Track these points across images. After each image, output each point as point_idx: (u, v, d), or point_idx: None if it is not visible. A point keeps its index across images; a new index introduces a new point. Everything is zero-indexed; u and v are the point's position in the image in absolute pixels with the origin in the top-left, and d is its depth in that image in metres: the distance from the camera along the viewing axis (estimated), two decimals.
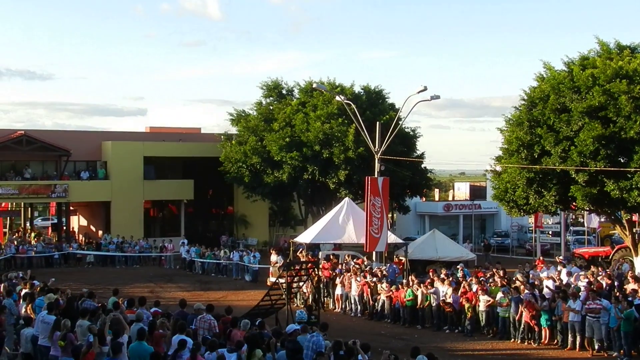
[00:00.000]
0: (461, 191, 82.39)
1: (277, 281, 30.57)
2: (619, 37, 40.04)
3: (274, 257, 41.18)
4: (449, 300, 29.54)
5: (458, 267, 35.73)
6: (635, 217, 38.24)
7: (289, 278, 29.05)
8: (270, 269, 40.35)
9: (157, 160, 60.09)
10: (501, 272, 32.29)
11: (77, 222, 64.29)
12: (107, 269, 49.91)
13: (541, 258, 40.85)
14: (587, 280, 29.58)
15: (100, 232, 59.36)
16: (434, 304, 30.10)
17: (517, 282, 29.87)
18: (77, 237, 59.37)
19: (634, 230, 37.97)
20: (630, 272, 32.99)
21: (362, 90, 55.40)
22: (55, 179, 56.41)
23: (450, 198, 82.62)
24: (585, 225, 57.49)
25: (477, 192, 77.32)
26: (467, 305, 28.88)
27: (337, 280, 35.06)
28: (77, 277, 43.85)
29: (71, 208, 60.29)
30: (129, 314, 20.07)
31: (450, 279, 31.45)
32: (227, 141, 57.75)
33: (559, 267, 34.17)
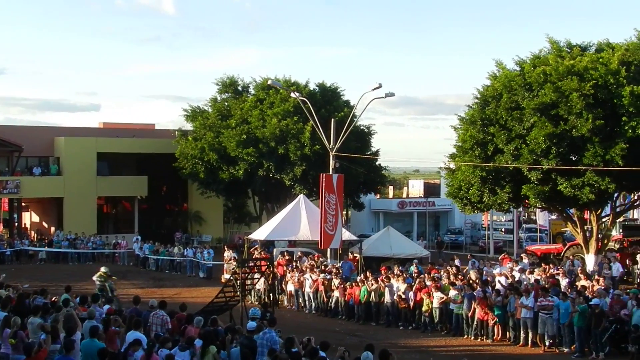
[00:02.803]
0: (415, 188, 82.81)
1: (231, 278, 30.51)
2: (569, 36, 40.47)
3: (227, 254, 41.05)
4: (403, 297, 29.68)
5: (412, 264, 35.90)
6: (586, 215, 38.69)
7: (243, 275, 29.00)
8: (225, 265, 40.23)
9: (110, 156, 59.59)
10: (454, 269, 32.51)
11: (29, 218, 63.56)
12: (59, 266, 49.34)
13: (505, 255, 41.14)
14: (539, 276, 29.93)
15: (52, 229, 58.72)
16: (388, 301, 30.21)
17: (470, 278, 30.12)
18: (29, 234, 58.71)
19: (585, 228, 38.42)
20: (581, 268, 33.39)
21: (318, 88, 55.44)
22: (6, 175, 55.70)
23: (404, 195, 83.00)
24: (538, 222, 58.09)
25: (431, 190, 77.77)
26: (426, 301, 29.01)
27: (288, 277, 35.10)
28: (29, 274, 43.28)
29: (23, 204, 59.57)
30: (82, 311, 19.92)
31: (405, 275, 31.66)
32: (182, 137, 57.46)
33: (511, 264, 34.51)
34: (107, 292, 30.16)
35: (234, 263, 36.02)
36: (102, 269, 32.12)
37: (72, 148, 58.03)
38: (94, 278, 31.75)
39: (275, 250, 41.46)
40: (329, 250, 38.25)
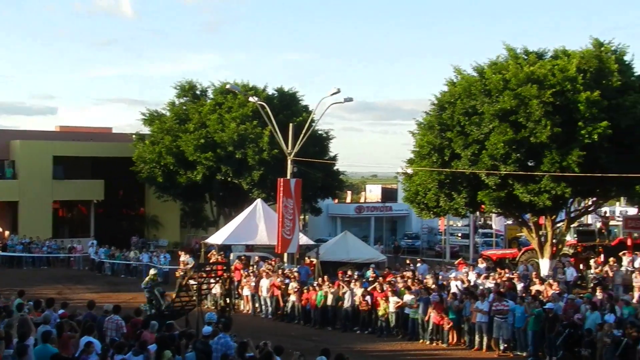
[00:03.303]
0: (373, 193, 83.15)
1: (187, 283, 30.35)
2: (525, 43, 40.90)
3: (183, 258, 40.87)
4: (359, 301, 29.74)
5: (369, 268, 35.98)
6: (541, 220, 39.03)
7: (199, 279, 28.88)
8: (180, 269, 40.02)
9: (66, 160, 59.07)
10: (410, 274, 32.63)
11: None
12: (13, 271, 48.78)
13: (461, 260, 41.37)
14: (494, 281, 30.13)
15: (7, 233, 58.02)
16: (345, 305, 30.25)
17: (427, 283, 30.26)
18: None
19: (540, 233, 38.74)
20: (535, 273, 33.67)
21: (276, 92, 55.46)
22: None
23: (362, 200, 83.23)
24: (494, 227, 58.52)
25: (388, 195, 78.07)
26: (383, 305, 29.08)
27: (244, 282, 35.03)
28: None
29: None
30: (37, 316, 19.71)
31: (363, 280, 31.73)
32: (139, 141, 57.10)
33: (467, 269, 34.73)
34: (156, 300, 29.63)
35: (180, 272, 35.95)
36: (152, 272, 31.64)
37: (27, 151, 57.48)
38: (143, 285, 31.56)
39: (232, 254, 41.36)
40: (286, 254, 38.23)
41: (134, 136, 58.89)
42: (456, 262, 39.70)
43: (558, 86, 33.97)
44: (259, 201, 41.37)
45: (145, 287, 31.03)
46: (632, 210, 52.22)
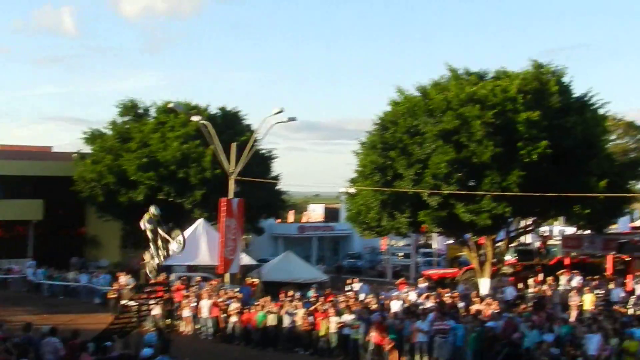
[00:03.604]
0: (316, 213, 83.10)
1: (127, 304, 29.99)
2: (467, 64, 41.41)
3: (123, 279, 40.37)
4: (301, 322, 29.65)
5: (311, 288, 35.93)
6: (481, 240, 39.38)
7: (139, 300, 28.54)
8: (121, 290, 39.53)
9: (5, 179, 58.03)
10: (352, 294, 32.63)
11: None
12: None
13: (403, 279, 41.50)
14: (436, 301, 30.28)
15: None
16: (286, 326, 30.13)
17: (369, 303, 30.29)
18: None
19: (480, 252, 39.09)
20: (475, 292, 33.92)
21: (219, 112, 55.27)
22: None
23: (304, 220, 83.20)
24: (435, 247, 58.86)
25: (331, 214, 78.17)
26: (324, 325, 29.01)
27: (185, 302, 34.72)
28: None
29: None
30: None
31: (305, 300, 31.66)
32: (80, 160, 56.42)
33: (408, 288, 34.85)
34: (161, 247, 24.95)
35: (114, 294, 35.44)
36: (152, 209, 26.75)
37: None
38: (142, 223, 27.04)
39: (173, 275, 40.96)
40: (227, 275, 38.03)
41: (74, 155, 58.18)
42: (397, 281, 39.82)
43: (499, 106, 34.44)
44: (201, 221, 41.16)
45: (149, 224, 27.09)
46: (570, 230, 52.86)
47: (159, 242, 25.13)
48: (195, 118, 45.06)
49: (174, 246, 23.80)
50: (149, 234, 26.06)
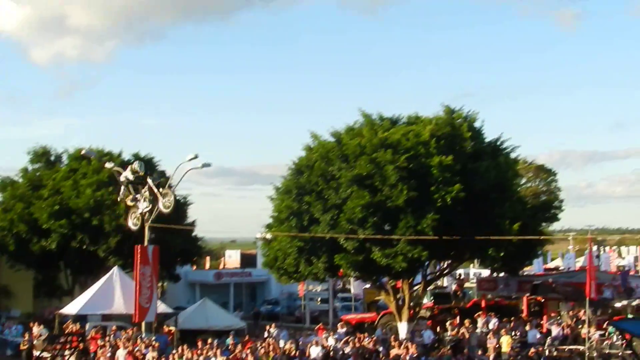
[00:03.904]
0: (232, 259, 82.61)
1: (40, 355, 29.29)
2: (380, 109, 41.86)
3: (36, 330, 39.41)
4: None
5: (229, 335, 35.58)
6: (399, 283, 39.57)
7: (53, 351, 27.91)
8: (34, 342, 38.57)
9: None
10: (271, 340, 32.40)
11: None
12: None
13: (321, 325, 41.39)
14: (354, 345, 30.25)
15: None
16: None
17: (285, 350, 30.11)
18: None
19: (398, 296, 39.25)
20: (393, 336, 33.99)
21: (132, 158, 54.67)
22: None
23: (221, 266, 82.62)
24: (352, 291, 58.94)
25: (248, 260, 77.78)
26: None
27: (99, 352, 34.02)
28: None
29: None
30: None
31: (223, 348, 31.31)
32: None
33: (327, 334, 34.76)
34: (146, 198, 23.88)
35: (25, 345, 34.60)
36: (135, 165, 26.32)
37: None
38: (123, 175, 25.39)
39: (88, 325, 40.16)
40: (144, 323, 37.38)
41: None
42: (316, 327, 39.71)
43: (412, 151, 34.90)
44: (115, 269, 40.51)
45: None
46: (485, 272, 53.58)
47: (144, 193, 24.95)
48: (108, 165, 44.49)
49: (163, 207, 23.49)
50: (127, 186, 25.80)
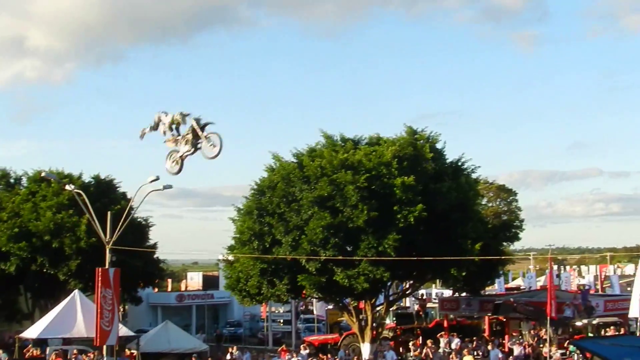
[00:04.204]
0: (194, 281, 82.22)
1: None
2: (342, 130, 42.00)
3: None
4: None
5: (191, 358, 35.38)
6: (361, 304, 39.59)
7: None
8: None
9: None
10: None
11: None
12: None
13: (284, 346, 41.24)
14: None
15: None
16: None
17: None
18: None
19: (361, 317, 39.25)
20: (356, 357, 33.97)
21: (93, 180, 54.34)
22: None
23: (183, 288, 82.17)
24: (315, 312, 58.87)
25: (210, 282, 77.38)
26: None
27: None
28: None
29: None
30: None
31: None
32: None
33: (290, 355, 34.68)
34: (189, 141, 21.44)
35: None
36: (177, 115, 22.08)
37: None
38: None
39: (48, 349, 39.71)
40: (105, 346, 37.04)
41: None
42: (279, 349, 39.59)
43: (374, 171, 35.02)
44: (76, 292, 40.10)
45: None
46: (447, 292, 53.78)
47: (187, 135, 22.18)
48: (68, 187, 44.17)
49: (207, 151, 20.91)
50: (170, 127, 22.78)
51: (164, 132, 22.37)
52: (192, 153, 21.53)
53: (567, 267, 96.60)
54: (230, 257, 40.12)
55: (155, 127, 22.95)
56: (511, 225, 43.10)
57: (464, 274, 36.56)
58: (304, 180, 36.38)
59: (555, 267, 68.05)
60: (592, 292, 56.51)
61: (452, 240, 35.59)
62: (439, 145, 38.97)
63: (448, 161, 39.43)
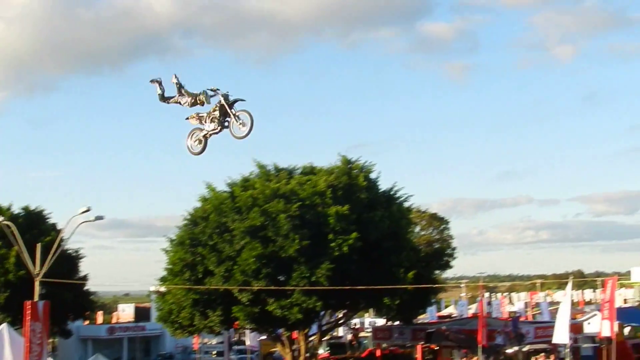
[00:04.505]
0: (126, 313, 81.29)
1: None
2: (275, 159, 41.99)
3: None
4: None
5: None
6: (295, 334, 39.50)
7: None
8: None
9: None
10: None
11: None
12: None
13: None
14: None
15: None
16: None
17: None
18: None
19: (294, 347, 39.16)
20: None
21: (23, 211, 53.51)
22: None
23: (114, 320, 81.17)
24: (248, 343, 58.51)
25: (142, 314, 76.59)
26: None
27: None
28: None
29: None
30: None
31: None
32: None
33: None
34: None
35: None
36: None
37: None
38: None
39: None
40: None
41: None
42: None
43: (308, 201, 35.10)
44: (4, 326, 39.26)
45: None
46: (380, 321, 53.97)
47: (215, 113, 19.32)
48: None
49: (236, 130, 18.11)
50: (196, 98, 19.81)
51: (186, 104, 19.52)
52: (219, 132, 18.97)
53: (498, 295, 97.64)
54: (163, 289, 39.75)
55: (165, 100, 19.63)
56: (443, 254, 43.53)
57: (397, 302, 36.72)
58: (236, 211, 36.30)
59: (486, 294, 68.78)
60: (522, 319, 57.20)
61: (385, 269, 35.78)
62: (373, 175, 39.27)
63: (381, 190, 39.69)
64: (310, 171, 39.50)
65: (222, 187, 39.25)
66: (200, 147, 19.20)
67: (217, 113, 18.58)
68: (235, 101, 17.90)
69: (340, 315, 43.22)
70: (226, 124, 18.49)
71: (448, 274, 50.15)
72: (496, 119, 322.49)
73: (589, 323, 48.54)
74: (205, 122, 18.89)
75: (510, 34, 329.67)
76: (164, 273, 39.24)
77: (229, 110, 18.13)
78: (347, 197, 36.43)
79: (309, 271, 34.12)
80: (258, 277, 34.48)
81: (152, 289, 42.31)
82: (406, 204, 40.49)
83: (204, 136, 19.04)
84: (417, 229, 65.31)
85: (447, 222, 77.55)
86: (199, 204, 39.22)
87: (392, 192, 39.79)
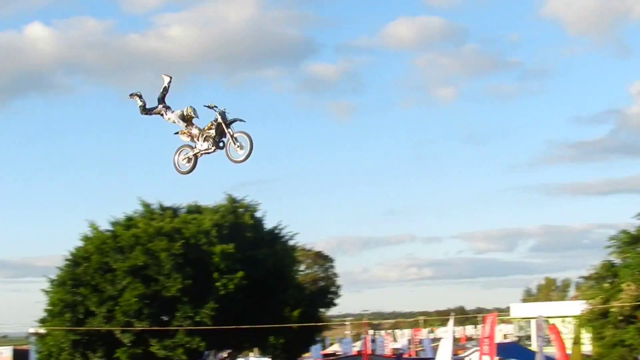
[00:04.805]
0: (4, 355, 78.84)
1: None
2: (160, 198, 41.56)
3: None
4: None
5: None
6: None
7: None
8: None
9: None
10: None
11: None
12: None
13: None
14: None
15: None
16: None
17: None
18: None
19: None
20: None
21: None
22: None
23: None
24: None
25: (20, 357, 74.35)
26: None
27: None
28: None
29: None
30: None
31: None
32: None
33: None
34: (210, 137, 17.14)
35: None
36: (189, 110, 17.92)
37: None
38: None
39: None
40: None
41: None
42: None
43: (192, 239, 34.85)
44: None
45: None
46: None
47: (209, 131, 17.08)
48: None
49: (233, 154, 15.78)
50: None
51: (173, 122, 17.69)
52: (212, 152, 17.21)
53: (382, 332, 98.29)
54: (42, 330, 38.74)
55: (147, 112, 17.67)
56: (328, 292, 43.77)
57: (281, 341, 36.67)
58: (118, 250, 35.77)
59: (370, 331, 69.26)
60: (405, 356, 57.69)
61: (271, 307, 35.71)
62: (258, 213, 39.31)
63: (266, 229, 39.74)
64: (195, 210, 39.29)
65: (106, 225, 38.66)
66: (189, 166, 17.45)
67: (212, 132, 16.89)
68: (234, 120, 16.31)
69: (225, 355, 42.83)
70: (221, 144, 16.77)
71: (333, 311, 50.36)
72: (380, 157, 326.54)
73: (470, 359, 49.26)
74: (198, 139, 17.16)
75: (393, 74, 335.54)
76: (44, 314, 38.26)
77: (226, 130, 16.48)
78: (232, 236, 36.33)
79: (192, 311, 33.78)
80: (140, 317, 33.96)
81: (32, 330, 41.13)
82: (291, 242, 40.63)
83: (195, 155, 17.31)
84: (303, 267, 65.58)
85: (331, 260, 78.10)
86: (81, 243, 38.48)
87: (276, 231, 39.90)
